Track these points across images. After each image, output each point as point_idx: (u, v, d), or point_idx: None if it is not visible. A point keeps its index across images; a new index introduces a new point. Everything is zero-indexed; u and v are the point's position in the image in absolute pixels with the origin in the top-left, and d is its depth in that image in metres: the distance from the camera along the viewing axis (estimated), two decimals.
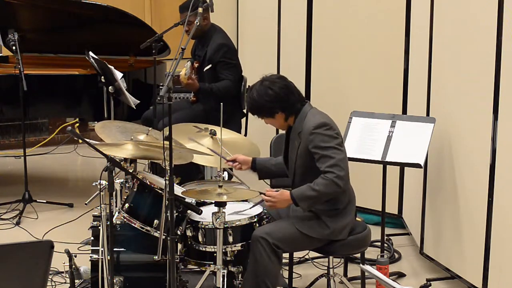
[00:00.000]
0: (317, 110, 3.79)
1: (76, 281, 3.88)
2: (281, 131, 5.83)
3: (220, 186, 3.62)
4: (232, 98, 5.45)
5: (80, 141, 3.63)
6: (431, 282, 4.36)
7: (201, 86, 5.32)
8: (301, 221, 3.73)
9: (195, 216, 3.80)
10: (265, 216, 3.85)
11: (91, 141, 3.64)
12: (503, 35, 3.68)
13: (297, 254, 4.47)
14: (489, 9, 3.76)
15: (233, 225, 3.72)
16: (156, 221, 3.70)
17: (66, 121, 7.19)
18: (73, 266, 3.82)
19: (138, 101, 5.22)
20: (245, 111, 5.67)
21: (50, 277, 4.19)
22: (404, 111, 4.95)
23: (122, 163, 3.91)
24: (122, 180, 3.94)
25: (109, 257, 3.49)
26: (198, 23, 3.95)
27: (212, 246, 3.72)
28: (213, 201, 3.71)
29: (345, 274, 4.41)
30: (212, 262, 3.71)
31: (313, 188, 3.62)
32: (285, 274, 4.24)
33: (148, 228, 3.72)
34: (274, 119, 3.76)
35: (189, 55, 5.67)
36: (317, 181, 3.62)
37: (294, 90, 3.77)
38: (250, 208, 3.87)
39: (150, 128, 3.97)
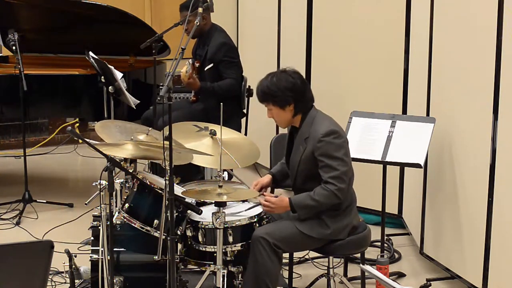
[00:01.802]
0: (323, 115, 3.80)
1: (76, 281, 3.88)
2: (281, 131, 5.83)
3: (220, 186, 3.61)
4: (232, 98, 5.44)
5: (80, 141, 3.63)
6: (431, 282, 4.36)
7: (202, 85, 5.31)
8: (302, 221, 3.73)
9: (195, 216, 3.80)
10: (265, 216, 3.84)
11: (91, 141, 3.64)
12: (503, 35, 3.68)
13: (297, 254, 4.47)
14: (489, 9, 3.76)
15: (233, 225, 3.72)
16: (156, 221, 3.70)
17: (66, 121, 7.19)
18: (73, 266, 3.82)
19: (138, 101, 5.22)
20: (245, 111, 5.68)
21: (50, 277, 4.19)
22: (404, 111, 4.95)
23: (122, 163, 3.91)
24: (122, 180, 3.93)
25: (109, 257, 3.49)
26: (198, 23, 3.94)
27: (212, 246, 3.72)
28: (213, 201, 3.71)
29: (345, 274, 4.41)
30: (212, 262, 3.71)
31: (313, 198, 3.65)
32: (285, 274, 4.24)
33: (148, 228, 3.72)
34: (283, 111, 3.74)
35: (189, 54, 5.66)
36: (318, 191, 3.64)
37: (310, 89, 3.84)
38: (246, 210, 3.87)
39: (150, 128, 3.97)
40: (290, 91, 3.70)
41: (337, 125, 3.76)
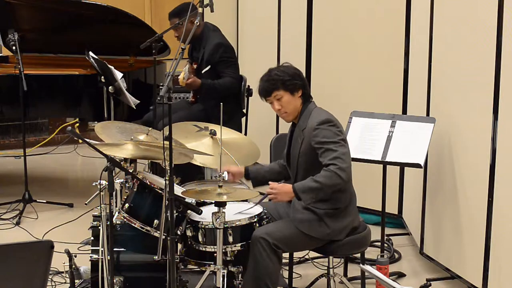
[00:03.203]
0: (321, 109, 3.81)
1: (76, 281, 3.88)
2: (282, 131, 5.83)
3: (220, 186, 3.61)
4: (232, 98, 5.44)
5: (80, 141, 3.63)
6: (431, 282, 4.36)
7: (203, 82, 5.31)
8: (301, 220, 3.74)
9: (195, 216, 3.80)
10: (265, 216, 3.84)
11: (91, 141, 3.64)
12: (503, 35, 3.68)
13: (297, 254, 4.47)
14: (489, 9, 3.76)
15: (233, 225, 3.72)
16: (156, 221, 3.70)
17: (66, 121, 7.19)
18: (73, 266, 3.82)
19: (138, 101, 5.22)
20: (245, 111, 5.67)
21: (50, 277, 4.19)
22: (404, 111, 4.95)
23: (122, 163, 3.91)
24: (122, 180, 3.93)
25: (109, 257, 3.49)
26: (197, 23, 3.93)
27: (212, 246, 3.72)
28: (213, 201, 3.71)
29: (345, 274, 4.41)
30: (212, 262, 3.71)
31: (315, 180, 3.60)
32: (285, 274, 4.24)
33: (148, 228, 3.72)
34: (293, 98, 3.76)
35: (187, 56, 5.66)
36: (320, 174, 3.62)
37: None
38: (253, 207, 3.86)
39: (150, 128, 3.97)
40: (298, 77, 3.79)
41: (333, 117, 3.75)
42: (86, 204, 5.14)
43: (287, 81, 3.74)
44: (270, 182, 3.77)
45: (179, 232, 3.75)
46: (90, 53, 5.20)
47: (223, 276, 3.62)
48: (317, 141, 3.66)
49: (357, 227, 3.83)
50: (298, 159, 3.77)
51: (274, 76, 3.77)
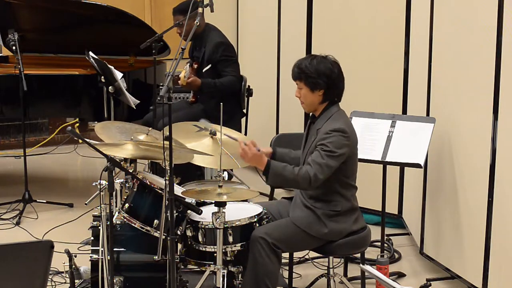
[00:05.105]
0: (343, 114, 3.81)
1: (76, 281, 3.88)
2: (282, 131, 5.84)
3: (220, 186, 3.61)
4: (232, 98, 5.44)
5: (80, 141, 3.63)
6: (431, 282, 4.36)
7: (203, 81, 5.31)
8: (301, 217, 3.75)
9: (195, 216, 3.80)
10: (265, 216, 3.85)
11: (91, 141, 3.64)
12: (503, 35, 3.68)
13: (297, 254, 4.47)
14: (489, 9, 3.76)
15: (233, 225, 3.72)
16: (156, 221, 3.70)
17: (66, 121, 7.20)
18: (73, 266, 3.82)
19: (138, 101, 5.22)
20: (245, 111, 5.67)
21: (50, 277, 4.19)
22: (404, 111, 4.95)
23: (122, 163, 3.91)
24: (122, 180, 3.94)
25: (109, 257, 3.49)
26: (197, 23, 3.93)
27: (212, 246, 3.72)
28: (213, 201, 3.71)
29: (345, 274, 4.41)
30: (212, 262, 3.71)
31: (293, 173, 3.63)
32: (285, 274, 4.24)
33: (148, 228, 3.71)
34: (312, 94, 3.75)
35: (187, 56, 5.66)
36: (300, 171, 3.63)
37: (343, 84, 3.86)
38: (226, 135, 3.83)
39: (150, 128, 3.97)
40: (325, 77, 3.75)
41: (350, 127, 3.76)
42: (86, 204, 5.14)
43: (310, 78, 3.73)
44: (248, 140, 3.75)
45: (179, 232, 3.74)
46: (90, 53, 5.20)
47: (223, 276, 3.62)
48: (321, 143, 3.67)
49: (355, 232, 3.82)
50: (306, 155, 3.78)
51: (303, 66, 3.75)
